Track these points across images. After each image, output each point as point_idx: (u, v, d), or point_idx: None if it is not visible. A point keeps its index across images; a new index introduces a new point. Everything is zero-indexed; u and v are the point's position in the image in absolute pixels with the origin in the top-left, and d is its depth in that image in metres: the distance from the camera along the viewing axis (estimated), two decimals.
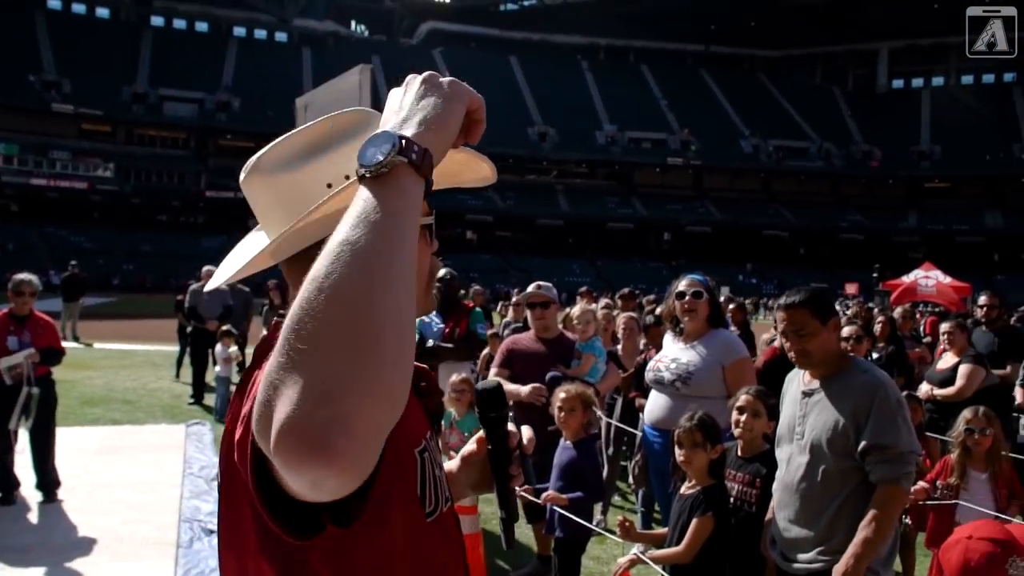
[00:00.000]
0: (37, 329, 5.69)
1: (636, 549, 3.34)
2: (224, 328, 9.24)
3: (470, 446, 1.39)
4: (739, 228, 61.48)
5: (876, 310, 10.84)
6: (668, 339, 4.25)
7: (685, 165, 64.72)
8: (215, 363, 9.56)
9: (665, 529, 3.34)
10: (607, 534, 4.00)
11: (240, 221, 53.60)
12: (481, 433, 1.35)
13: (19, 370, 5.39)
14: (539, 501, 3.71)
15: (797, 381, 2.81)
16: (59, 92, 52.70)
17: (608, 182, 66.01)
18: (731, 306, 8.36)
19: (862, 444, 2.45)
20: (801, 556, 2.60)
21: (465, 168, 1.13)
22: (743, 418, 3.23)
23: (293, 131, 1.09)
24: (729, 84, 71.25)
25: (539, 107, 65.77)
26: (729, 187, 65.69)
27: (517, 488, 4.01)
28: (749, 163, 64.99)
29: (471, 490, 1.43)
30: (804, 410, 2.65)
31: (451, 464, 1.39)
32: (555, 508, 3.62)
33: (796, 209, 63.12)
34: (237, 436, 0.91)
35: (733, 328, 7.01)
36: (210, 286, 1.15)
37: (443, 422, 5.00)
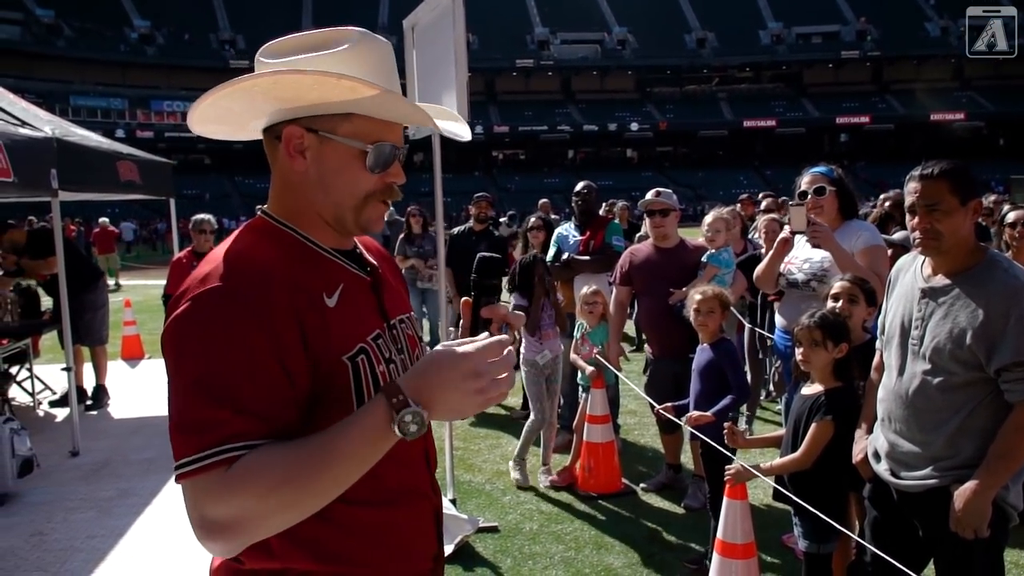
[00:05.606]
0: None
1: (734, 465, 3.12)
2: None
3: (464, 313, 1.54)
4: (926, 122, 56.04)
5: None
6: (798, 240, 3.99)
7: (862, 58, 59.56)
8: None
9: (780, 432, 3.22)
10: (730, 454, 3.86)
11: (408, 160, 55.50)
12: (467, 298, 1.43)
13: None
14: (681, 422, 3.66)
15: (913, 273, 2.43)
16: (234, 48, 56.28)
17: (774, 85, 62.10)
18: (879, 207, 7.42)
19: (999, 360, 2.13)
20: (913, 472, 2.34)
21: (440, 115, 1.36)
22: (839, 305, 3.03)
23: (291, 35, 1.28)
24: None
25: (695, 10, 62.30)
26: (914, 77, 59.75)
27: (657, 406, 3.89)
28: (937, 48, 58.54)
29: None
30: (924, 311, 2.31)
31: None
32: (697, 425, 3.56)
33: (994, 95, 56.57)
34: None
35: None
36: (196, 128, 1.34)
37: (575, 333, 5.06)
